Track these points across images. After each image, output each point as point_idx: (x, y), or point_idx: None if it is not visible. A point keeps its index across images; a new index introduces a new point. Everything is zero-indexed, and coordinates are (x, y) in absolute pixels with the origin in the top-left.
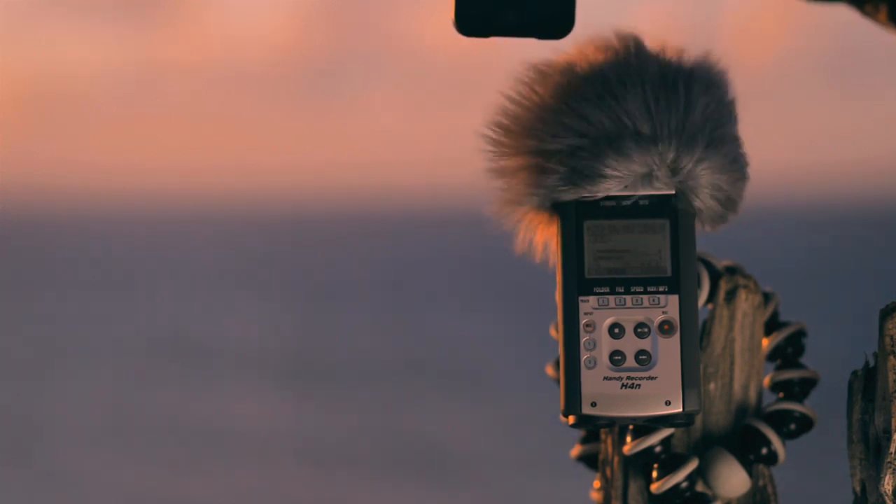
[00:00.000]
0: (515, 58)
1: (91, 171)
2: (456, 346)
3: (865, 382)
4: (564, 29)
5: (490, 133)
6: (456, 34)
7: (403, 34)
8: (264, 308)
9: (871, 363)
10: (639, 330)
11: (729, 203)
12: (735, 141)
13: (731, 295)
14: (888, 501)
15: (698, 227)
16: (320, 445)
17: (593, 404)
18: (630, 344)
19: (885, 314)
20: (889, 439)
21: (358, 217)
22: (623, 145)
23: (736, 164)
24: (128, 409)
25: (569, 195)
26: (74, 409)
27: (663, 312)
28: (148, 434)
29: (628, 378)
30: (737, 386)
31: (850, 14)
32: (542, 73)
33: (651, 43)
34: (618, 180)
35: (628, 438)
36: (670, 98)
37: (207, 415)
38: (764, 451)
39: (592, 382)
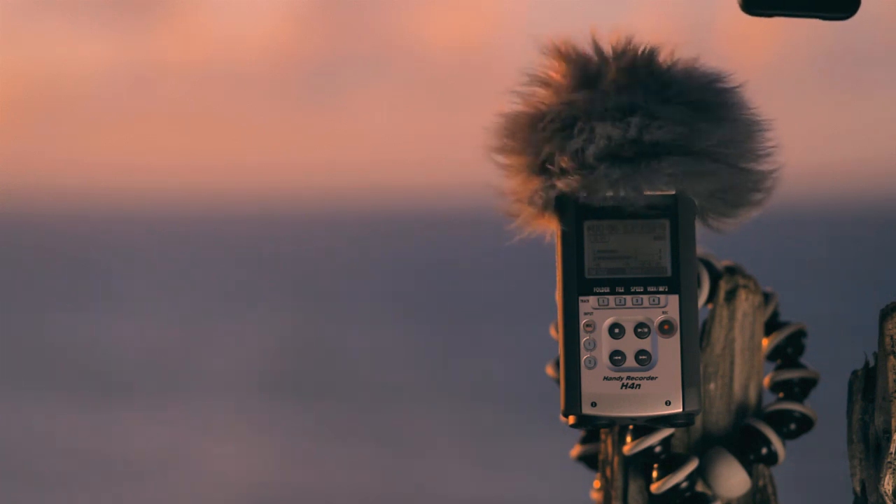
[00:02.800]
0: (514, 59)
1: (86, 171)
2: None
3: (865, 382)
4: (852, 7)
5: (495, 132)
6: (456, 35)
7: (400, 34)
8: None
9: (871, 363)
10: (639, 330)
11: (730, 206)
12: (744, 151)
13: (731, 295)
14: (888, 501)
15: (700, 226)
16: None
17: (593, 404)
18: (630, 344)
19: (885, 314)
20: (889, 439)
21: (355, 217)
22: (625, 152)
23: (737, 176)
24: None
25: (570, 197)
26: None
27: (663, 312)
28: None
29: (628, 378)
30: (737, 386)
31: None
32: (551, 74)
33: (663, 51)
34: (621, 185)
35: (628, 438)
36: (679, 109)
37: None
38: (764, 451)
39: (592, 382)
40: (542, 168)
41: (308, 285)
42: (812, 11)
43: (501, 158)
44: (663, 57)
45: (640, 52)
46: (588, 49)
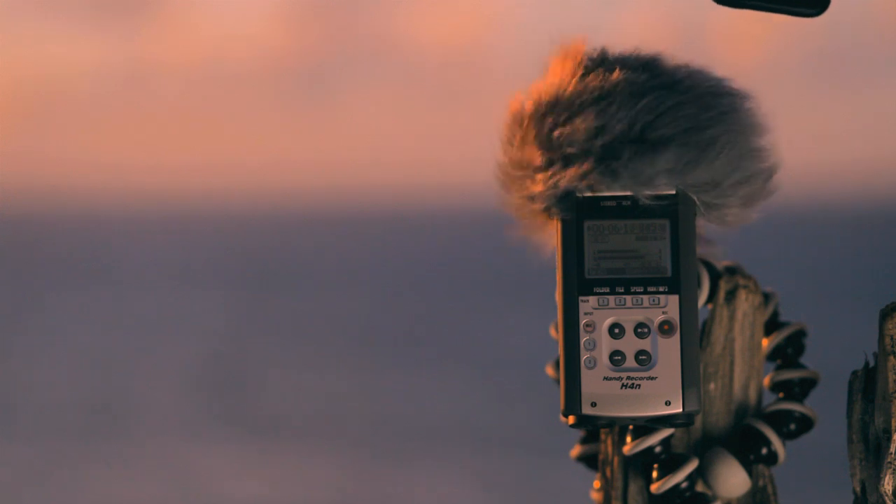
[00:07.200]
0: (512, 58)
1: (81, 170)
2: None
3: (865, 382)
4: (822, 4)
5: (498, 128)
6: (449, 33)
7: (395, 34)
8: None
9: (871, 363)
10: (639, 330)
11: (730, 202)
12: (746, 150)
13: (731, 295)
14: (888, 501)
15: (704, 225)
16: None
17: (593, 404)
18: (630, 344)
19: (885, 314)
20: (889, 439)
21: (350, 216)
22: (628, 150)
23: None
24: None
25: (570, 193)
26: None
27: (663, 312)
28: None
29: (628, 378)
30: (737, 386)
31: (836, 14)
32: (558, 68)
33: (667, 58)
34: (627, 182)
35: (628, 438)
36: (686, 99)
37: None
38: (764, 451)
39: (592, 382)
40: (543, 165)
41: (302, 286)
42: (781, 8)
43: (503, 154)
44: (668, 61)
45: (646, 56)
46: (595, 52)
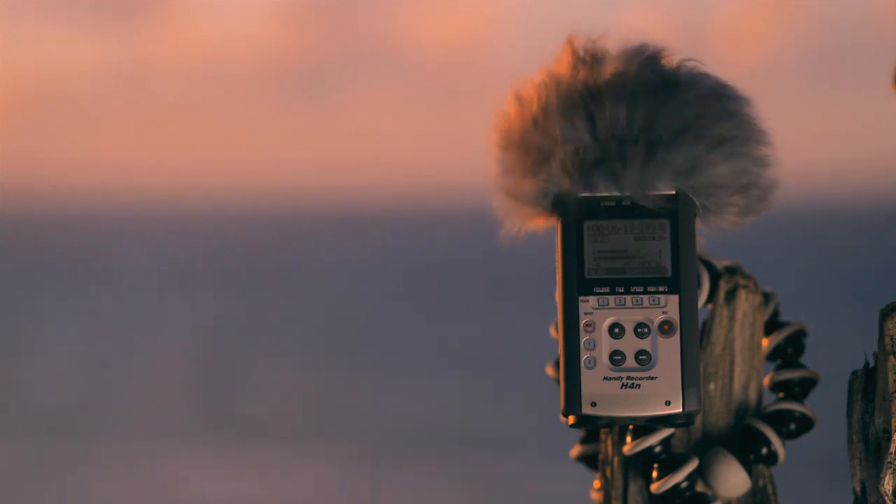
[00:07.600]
0: (510, 57)
1: (81, 170)
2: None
3: (865, 382)
4: None
5: (494, 129)
6: (449, 33)
7: (395, 34)
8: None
9: (871, 363)
10: (639, 330)
11: (731, 205)
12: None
13: (731, 295)
14: (888, 501)
15: (700, 227)
16: None
17: (593, 404)
18: (630, 344)
19: (885, 314)
20: (889, 439)
21: (350, 216)
22: (628, 150)
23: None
24: None
25: (570, 193)
26: None
27: (663, 312)
28: None
29: (628, 378)
30: (737, 386)
31: (835, 14)
32: (558, 66)
33: (668, 56)
34: (622, 182)
35: (628, 438)
36: (685, 100)
37: None
38: (764, 451)
39: (592, 382)
40: (542, 166)
41: (301, 286)
42: None
43: (500, 156)
44: (669, 60)
45: (647, 53)
46: (596, 48)
